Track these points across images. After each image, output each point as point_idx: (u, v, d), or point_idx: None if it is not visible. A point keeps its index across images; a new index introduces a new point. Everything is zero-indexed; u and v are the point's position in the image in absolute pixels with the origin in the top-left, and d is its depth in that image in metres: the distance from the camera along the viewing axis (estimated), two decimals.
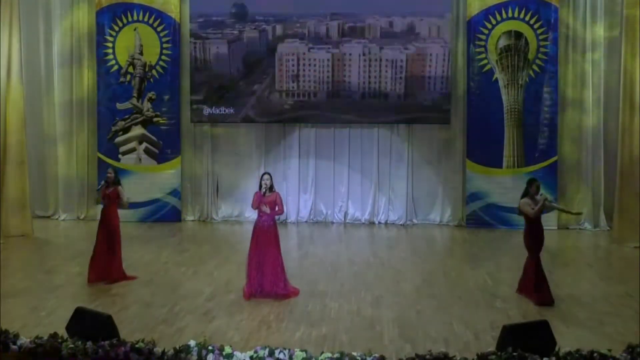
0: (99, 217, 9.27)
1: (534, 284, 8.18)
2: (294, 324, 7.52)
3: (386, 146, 12.98)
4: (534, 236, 8.33)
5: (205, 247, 11.07)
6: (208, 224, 12.94)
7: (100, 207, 9.46)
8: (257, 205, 8.39)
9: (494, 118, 12.41)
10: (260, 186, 8.39)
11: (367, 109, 12.69)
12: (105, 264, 8.92)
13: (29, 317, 7.60)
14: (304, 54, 12.71)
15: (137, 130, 12.91)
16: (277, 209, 8.43)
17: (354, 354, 5.94)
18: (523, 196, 8.36)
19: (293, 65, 12.74)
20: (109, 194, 9.04)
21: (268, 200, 8.34)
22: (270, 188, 8.37)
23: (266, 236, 8.38)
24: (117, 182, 9.12)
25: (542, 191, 8.50)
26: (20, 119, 11.80)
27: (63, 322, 6.53)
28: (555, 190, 12.18)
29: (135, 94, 12.85)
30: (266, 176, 8.41)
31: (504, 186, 12.36)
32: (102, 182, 9.18)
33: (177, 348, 5.96)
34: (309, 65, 12.72)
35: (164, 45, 12.82)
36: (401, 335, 7.14)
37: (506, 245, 11.24)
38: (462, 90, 12.70)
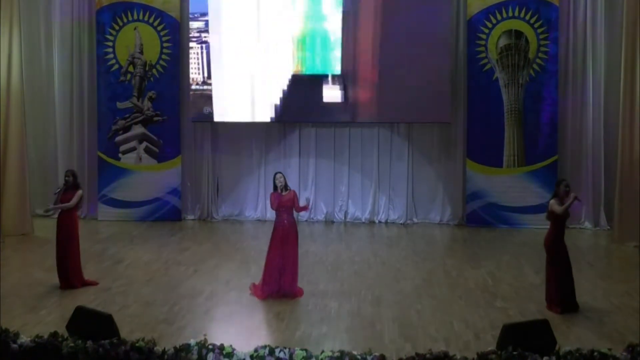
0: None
1: (557, 291, 7.80)
2: (294, 323, 7.53)
3: (386, 145, 12.96)
4: (560, 240, 7.88)
5: (206, 246, 11.07)
6: (208, 223, 12.93)
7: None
8: (276, 206, 8.36)
9: (494, 117, 12.38)
10: (275, 186, 8.39)
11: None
12: (67, 269, 8.73)
13: (29, 316, 7.61)
14: None
15: (138, 130, 12.90)
16: (295, 205, 8.41)
17: (354, 353, 5.95)
18: (552, 198, 7.95)
19: None
20: (69, 198, 8.77)
21: (286, 199, 8.34)
22: (285, 187, 8.38)
23: (288, 236, 8.38)
24: (77, 186, 8.89)
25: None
26: (20, 119, 11.80)
27: (63, 321, 6.54)
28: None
29: (135, 93, 12.83)
30: (279, 175, 8.39)
31: (504, 185, 12.36)
32: (62, 186, 8.85)
33: (178, 347, 5.97)
34: None
35: (164, 45, 12.81)
36: (401, 335, 7.14)
37: (506, 245, 11.25)
38: (462, 89, 12.69)
